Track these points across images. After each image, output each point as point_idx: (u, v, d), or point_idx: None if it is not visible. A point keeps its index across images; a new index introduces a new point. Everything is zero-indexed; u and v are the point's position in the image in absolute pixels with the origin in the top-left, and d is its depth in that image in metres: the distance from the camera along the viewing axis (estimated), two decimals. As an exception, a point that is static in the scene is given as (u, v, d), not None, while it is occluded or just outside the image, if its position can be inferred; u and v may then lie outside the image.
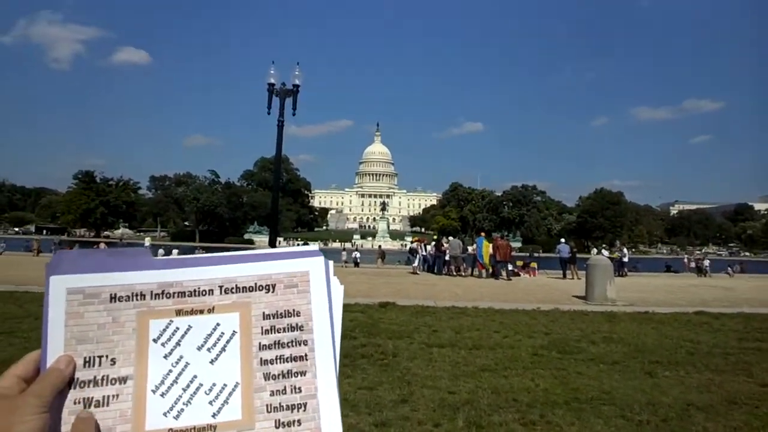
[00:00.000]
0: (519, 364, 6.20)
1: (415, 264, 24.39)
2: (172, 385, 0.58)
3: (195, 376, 0.59)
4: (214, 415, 0.57)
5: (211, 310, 0.61)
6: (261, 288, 0.63)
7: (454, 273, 22.51)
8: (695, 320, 9.79)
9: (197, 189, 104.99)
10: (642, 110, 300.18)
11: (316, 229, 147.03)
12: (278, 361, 0.60)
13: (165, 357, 0.59)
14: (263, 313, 0.62)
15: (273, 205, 18.77)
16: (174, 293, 0.61)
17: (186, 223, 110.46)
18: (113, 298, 0.59)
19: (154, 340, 0.59)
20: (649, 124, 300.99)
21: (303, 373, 0.60)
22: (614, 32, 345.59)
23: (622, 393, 5.12)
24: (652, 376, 5.78)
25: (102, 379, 0.57)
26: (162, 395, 0.57)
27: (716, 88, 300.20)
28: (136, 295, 0.60)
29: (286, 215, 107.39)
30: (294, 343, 0.61)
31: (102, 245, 36.11)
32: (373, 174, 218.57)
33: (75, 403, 0.55)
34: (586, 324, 9.14)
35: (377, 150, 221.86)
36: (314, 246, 0.68)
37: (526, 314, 10.12)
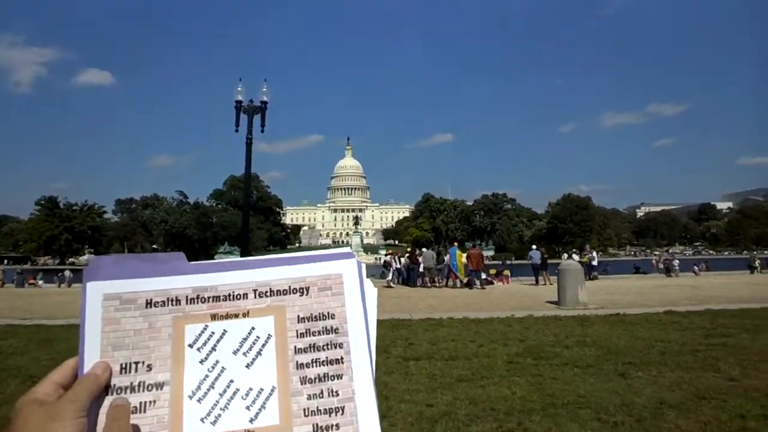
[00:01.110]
0: (495, 372, 6.23)
1: (389, 277, 24.37)
2: (208, 390, 0.58)
3: (231, 381, 0.58)
4: (251, 420, 0.57)
5: (246, 314, 0.61)
6: (295, 291, 0.63)
7: (429, 284, 22.56)
8: (665, 320, 10.01)
9: (165, 211, 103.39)
10: (608, 116, 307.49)
11: (288, 246, 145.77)
12: (314, 364, 0.60)
13: (201, 362, 0.58)
14: (298, 316, 0.62)
15: (243, 224, 18.55)
16: (209, 297, 0.61)
17: (154, 246, 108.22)
18: (149, 303, 0.59)
19: (190, 345, 0.59)
20: (614, 129, 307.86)
21: (339, 377, 0.60)
22: (579, 40, 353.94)
23: (596, 396, 5.19)
24: (625, 378, 5.87)
25: (139, 385, 0.56)
26: (199, 401, 0.57)
27: (677, 92, 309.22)
28: (172, 300, 0.60)
29: (257, 234, 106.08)
30: (329, 346, 0.61)
31: (68, 273, 35.07)
32: (345, 188, 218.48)
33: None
34: (560, 329, 9.26)
35: (348, 164, 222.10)
36: (347, 248, 0.69)
37: (500, 322, 10.19)
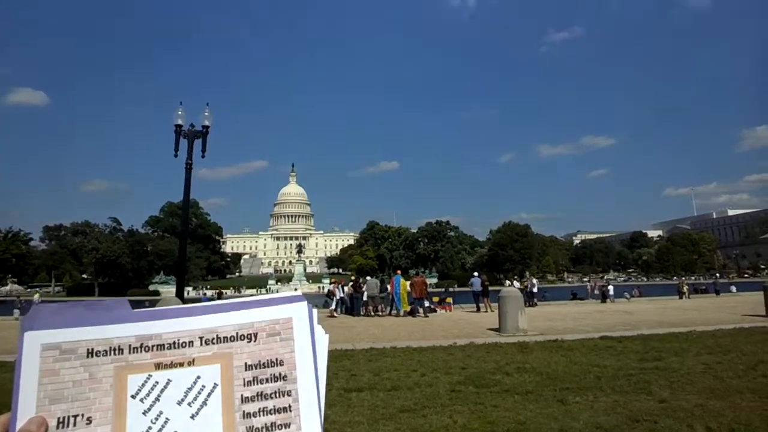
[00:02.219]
0: (437, 401, 6.19)
1: (332, 306, 24.10)
2: None
3: None
4: None
5: (191, 363, 0.59)
6: (242, 337, 0.61)
7: (372, 313, 22.44)
8: (601, 345, 10.30)
9: (96, 238, 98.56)
10: (545, 147, 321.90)
11: (228, 276, 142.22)
12: (261, 413, 0.58)
13: (144, 413, 0.56)
14: (245, 363, 0.60)
15: (180, 252, 17.86)
16: (153, 346, 0.59)
17: (84, 275, 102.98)
18: (90, 353, 0.57)
19: (133, 396, 0.56)
20: (551, 160, 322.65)
21: (287, 425, 0.58)
22: (517, 73, 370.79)
23: (535, 422, 5.23)
24: (563, 403, 5.96)
25: None
26: None
27: (610, 125, 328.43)
28: (114, 350, 0.58)
29: (195, 263, 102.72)
30: (277, 394, 0.59)
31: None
32: (288, 216, 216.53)
33: None
34: (501, 356, 9.36)
35: (292, 191, 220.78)
36: (298, 291, 0.68)
37: (443, 351, 10.21)
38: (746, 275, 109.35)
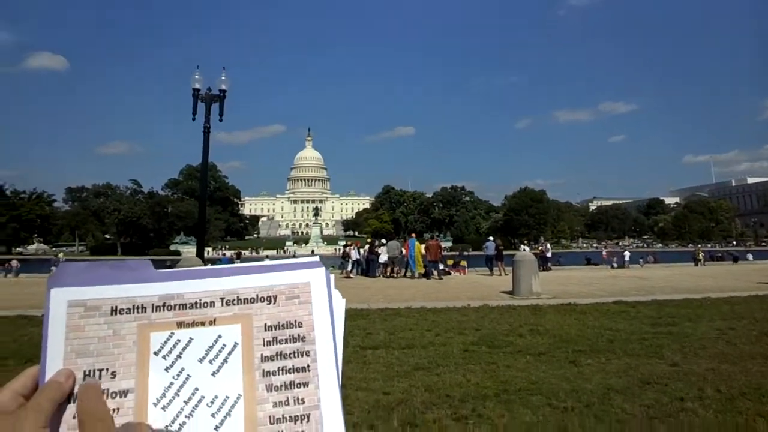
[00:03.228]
0: (451, 360, 6.33)
1: (349, 268, 24.38)
2: (173, 398, 0.56)
3: (197, 389, 0.57)
4: (216, 428, 0.56)
5: (212, 322, 0.60)
6: (262, 299, 0.62)
7: (388, 275, 22.68)
8: (614, 309, 10.34)
9: (118, 200, 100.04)
10: (562, 113, 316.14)
11: (246, 237, 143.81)
12: (280, 372, 0.59)
13: (166, 370, 0.57)
14: (265, 324, 0.61)
15: (200, 214, 18.15)
16: (175, 305, 0.60)
17: (106, 236, 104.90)
18: (114, 310, 0.58)
19: (155, 353, 0.58)
20: (569, 126, 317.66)
21: (305, 384, 0.59)
22: (535, 39, 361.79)
23: (548, 382, 5.33)
24: (575, 365, 6.04)
25: (103, 393, 0.55)
26: (163, 408, 0.56)
27: (629, 91, 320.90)
28: (137, 308, 0.59)
29: (214, 224, 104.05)
30: (296, 354, 0.60)
31: (15, 262, 33.60)
32: (305, 179, 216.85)
33: (74, 417, 0.52)
34: (514, 318, 9.46)
35: (309, 155, 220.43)
36: (316, 257, 0.68)
37: (457, 312, 10.35)
38: (764, 243, 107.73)
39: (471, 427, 4.17)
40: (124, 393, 0.55)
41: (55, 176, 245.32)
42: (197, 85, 16.67)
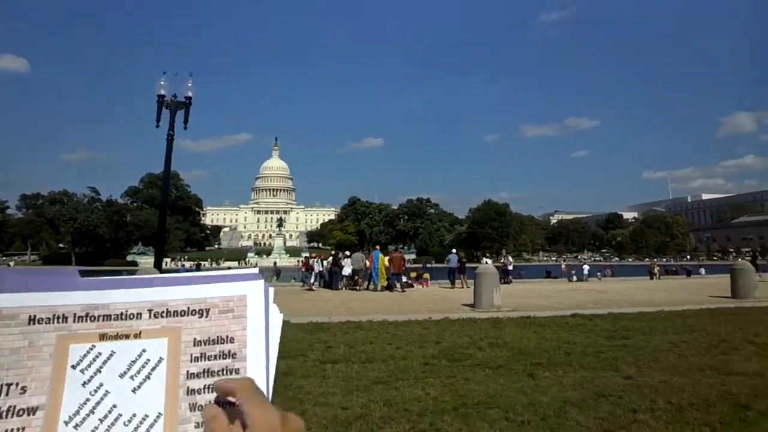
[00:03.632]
0: (411, 374, 6.31)
1: (311, 280, 24.18)
2: (88, 415, 0.52)
3: (114, 406, 0.53)
4: None
5: (137, 335, 0.56)
6: (193, 312, 0.58)
7: (351, 287, 22.58)
8: (571, 322, 10.51)
9: (74, 207, 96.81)
10: (529, 127, 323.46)
11: (207, 248, 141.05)
12: (206, 390, 0.55)
13: (83, 385, 0.53)
14: (194, 339, 0.57)
15: (160, 224, 17.66)
16: (99, 316, 0.56)
17: (61, 245, 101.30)
18: (32, 320, 0.54)
19: (73, 366, 0.53)
20: (534, 140, 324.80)
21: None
22: (504, 55, 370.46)
23: (505, 395, 5.37)
24: (533, 378, 6.10)
25: (8, 411, 0.50)
26: (75, 427, 0.51)
27: (593, 107, 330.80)
28: (58, 318, 0.54)
29: (174, 234, 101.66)
30: (224, 372, 0.57)
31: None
32: (270, 189, 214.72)
33: None
34: (474, 331, 9.52)
35: (275, 165, 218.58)
36: (254, 269, 0.65)
37: (418, 325, 10.35)
38: (715, 258, 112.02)
39: (428, 441, 4.15)
40: (32, 410, 0.51)
41: (10, 182, 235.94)
42: (163, 92, 16.34)
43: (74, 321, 0.55)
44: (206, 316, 0.59)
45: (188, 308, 0.58)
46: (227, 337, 0.58)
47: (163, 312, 0.58)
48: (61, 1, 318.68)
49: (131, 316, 0.57)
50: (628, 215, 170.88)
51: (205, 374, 0.56)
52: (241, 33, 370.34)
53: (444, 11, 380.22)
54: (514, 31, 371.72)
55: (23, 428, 0.50)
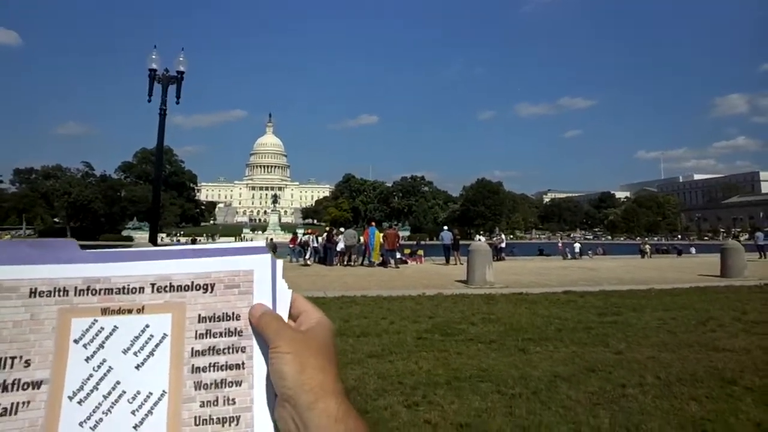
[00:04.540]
0: (404, 348, 6.38)
1: (307, 256, 24.28)
2: (91, 391, 0.50)
3: (118, 383, 0.51)
4: (135, 427, 0.50)
5: (140, 310, 0.54)
6: (198, 287, 0.55)
7: (345, 263, 22.69)
8: (563, 299, 10.62)
9: (68, 182, 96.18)
10: (524, 106, 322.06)
11: (202, 224, 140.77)
12: (212, 368, 0.53)
13: (86, 360, 0.51)
14: (199, 315, 0.55)
15: (154, 199, 17.59)
16: (101, 290, 0.54)
17: (55, 219, 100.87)
18: (33, 293, 0.52)
19: (75, 341, 0.51)
20: (529, 119, 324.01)
21: (238, 383, 0.53)
22: (500, 33, 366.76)
23: (497, 369, 5.44)
24: (524, 352, 6.18)
25: (13, 384, 0.49)
26: (79, 402, 0.50)
27: (588, 87, 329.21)
28: (59, 291, 0.52)
29: (169, 210, 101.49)
30: (231, 350, 0.54)
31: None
32: (264, 166, 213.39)
33: None
34: (467, 306, 9.62)
35: (269, 141, 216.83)
36: (261, 242, 0.61)
37: (412, 300, 10.44)
38: (706, 238, 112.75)
39: (421, 413, 4.23)
40: (37, 384, 0.49)
41: (3, 156, 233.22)
42: (154, 66, 16.13)
43: (75, 294, 0.53)
44: (211, 292, 0.56)
45: (192, 283, 0.56)
46: (233, 313, 0.55)
47: (166, 286, 0.55)
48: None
49: (134, 290, 0.55)
50: (621, 194, 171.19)
51: (211, 352, 0.53)
52: (234, 8, 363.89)
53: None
54: (510, 9, 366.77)
55: (28, 402, 0.49)
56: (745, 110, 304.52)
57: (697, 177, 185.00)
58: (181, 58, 16.59)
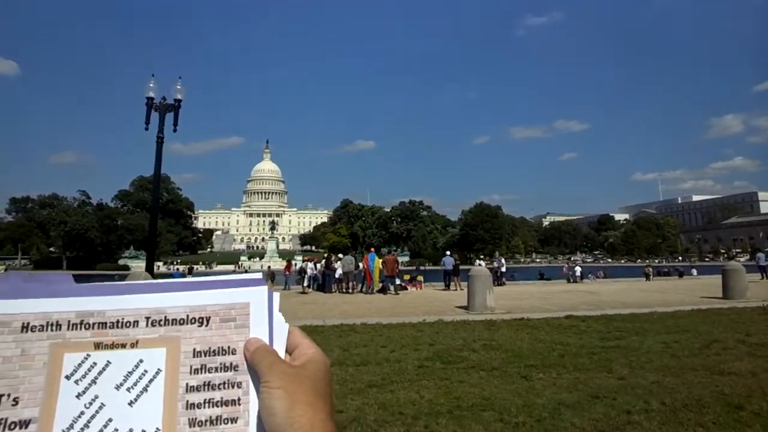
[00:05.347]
0: (405, 377, 6.30)
1: (305, 283, 24.16)
2: (82, 429, 0.48)
3: (110, 420, 0.49)
4: None
5: (134, 345, 0.53)
6: (193, 321, 0.54)
7: (344, 290, 22.55)
8: (565, 324, 10.54)
9: (65, 211, 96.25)
10: (518, 129, 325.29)
11: (200, 251, 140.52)
12: (207, 405, 0.52)
13: (78, 396, 0.50)
14: (194, 349, 0.53)
15: (151, 227, 17.54)
16: (94, 324, 0.52)
17: (51, 249, 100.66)
18: (25, 327, 0.50)
19: (67, 377, 0.50)
20: (524, 143, 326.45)
21: (234, 420, 0.52)
22: (493, 57, 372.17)
23: (500, 397, 5.36)
24: (527, 380, 6.10)
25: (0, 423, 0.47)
26: None
27: (583, 110, 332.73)
28: (52, 326, 0.51)
29: (166, 238, 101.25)
30: (226, 386, 0.53)
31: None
32: (262, 192, 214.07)
33: None
34: (468, 333, 9.53)
35: (267, 168, 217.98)
36: (258, 274, 0.61)
37: (412, 327, 10.34)
38: (707, 259, 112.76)
39: (423, 444, 4.14)
40: (24, 423, 0.48)
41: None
42: (151, 94, 16.29)
43: (68, 328, 0.52)
44: (207, 325, 0.55)
45: (188, 316, 0.55)
46: (229, 348, 0.54)
47: (161, 320, 0.54)
48: (51, 3, 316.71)
49: (128, 324, 0.53)
50: (620, 216, 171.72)
51: (206, 387, 0.53)
52: (230, 36, 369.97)
53: (433, 14, 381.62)
54: (503, 34, 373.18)
55: None
56: (741, 130, 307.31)
57: (695, 198, 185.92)
58: (178, 86, 16.75)
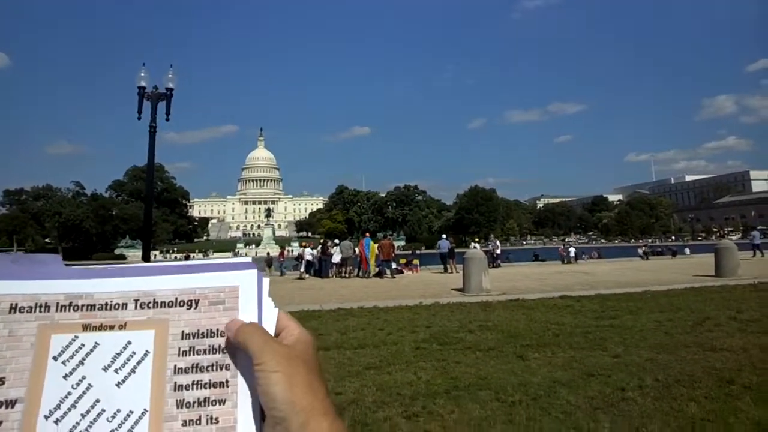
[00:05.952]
0: (402, 359, 6.37)
1: (302, 269, 24.20)
2: (69, 410, 0.48)
3: (97, 401, 0.49)
4: None
5: (123, 327, 0.52)
6: (182, 303, 0.54)
7: (341, 275, 22.63)
8: (560, 304, 10.63)
9: (59, 202, 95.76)
10: (514, 113, 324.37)
11: (195, 240, 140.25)
12: (195, 386, 0.51)
13: (65, 377, 0.49)
14: (182, 332, 0.53)
15: (146, 216, 17.51)
16: (83, 306, 0.52)
17: (47, 240, 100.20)
18: (13, 308, 0.50)
19: (54, 358, 0.50)
20: (520, 126, 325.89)
21: (222, 402, 0.51)
22: (489, 41, 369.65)
23: (496, 377, 5.44)
24: (523, 359, 6.17)
25: None
26: (56, 422, 0.48)
27: (578, 92, 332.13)
28: (40, 307, 0.51)
29: (161, 227, 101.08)
30: (214, 368, 0.52)
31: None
32: (256, 180, 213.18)
33: None
34: (464, 314, 9.61)
35: (261, 155, 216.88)
36: (248, 258, 0.60)
37: (408, 310, 10.43)
38: (700, 238, 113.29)
39: (421, 424, 4.21)
40: (11, 403, 0.47)
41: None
42: (143, 83, 16.12)
43: (57, 310, 0.52)
44: (195, 308, 0.54)
45: (177, 299, 0.54)
46: (217, 330, 0.54)
47: (150, 302, 0.54)
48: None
49: (116, 306, 0.53)
50: (613, 197, 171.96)
51: (194, 369, 0.52)
52: (225, 24, 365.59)
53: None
54: (499, 16, 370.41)
55: (1, 422, 0.47)
56: (734, 110, 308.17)
57: (688, 178, 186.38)
58: (170, 75, 16.58)
